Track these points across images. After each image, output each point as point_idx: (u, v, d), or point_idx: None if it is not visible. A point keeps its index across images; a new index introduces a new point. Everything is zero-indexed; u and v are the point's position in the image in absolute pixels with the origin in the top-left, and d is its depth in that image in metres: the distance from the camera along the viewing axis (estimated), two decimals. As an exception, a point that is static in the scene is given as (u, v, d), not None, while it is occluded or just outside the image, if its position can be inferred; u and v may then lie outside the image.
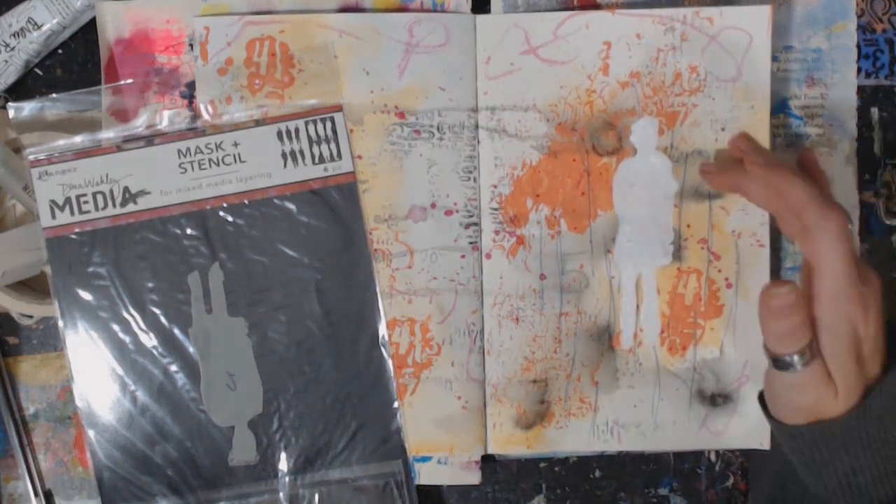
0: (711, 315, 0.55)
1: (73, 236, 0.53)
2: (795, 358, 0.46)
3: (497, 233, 0.55)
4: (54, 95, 0.55)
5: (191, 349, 0.54)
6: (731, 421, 0.55)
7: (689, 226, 0.55)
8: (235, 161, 0.54)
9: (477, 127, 0.54)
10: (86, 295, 0.53)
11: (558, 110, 0.54)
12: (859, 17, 0.57)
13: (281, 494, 0.54)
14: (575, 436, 0.55)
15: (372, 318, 0.54)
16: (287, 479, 0.54)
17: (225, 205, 0.54)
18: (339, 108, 0.54)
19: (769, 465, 0.55)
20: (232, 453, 0.54)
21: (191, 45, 0.55)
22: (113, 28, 0.55)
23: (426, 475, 0.56)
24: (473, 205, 0.55)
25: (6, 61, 0.55)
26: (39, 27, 0.55)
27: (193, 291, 0.54)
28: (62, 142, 0.54)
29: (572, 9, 0.55)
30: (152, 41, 0.56)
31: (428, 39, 0.54)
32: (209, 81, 0.54)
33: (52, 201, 0.53)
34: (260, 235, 0.54)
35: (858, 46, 0.57)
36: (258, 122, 0.54)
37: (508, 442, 0.55)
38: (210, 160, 0.54)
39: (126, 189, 0.53)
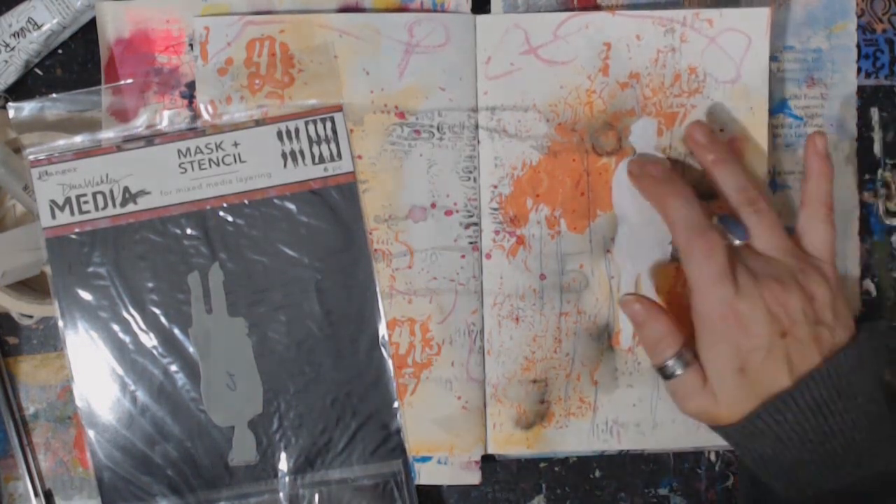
0: (711, 315, 0.55)
1: (73, 236, 0.53)
2: (670, 363, 0.49)
3: (497, 233, 0.55)
4: (54, 95, 0.55)
5: (191, 349, 0.54)
6: (731, 421, 0.55)
7: (688, 226, 0.55)
8: (235, 161, 0.54)
9: (477, 127, 0.54)
10: (86, 295, 0.53)
11: (558, 110, 0.54)
12: (859, 17, 0.57)
13: (281, 494, 0.54)
14: (575, 435, 0.55)
15: (372, 318, 0.54)
16: (287, 479, 0.54)
17: (225, 205, 0.54)
18: (339, 108, 0.54)
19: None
20: (232, 453, 0.54)
21: (191, 45, 0.55)
22: (113, 28, 0.55)
23: (426, 475, 0.56)
24: (473, 205, 0.55)
25: (6, 61, 0.55)
26: (39, 27, 0.55)
27: (193, 291, 0.54)
28: (62, 142, 0.54)
29: (572, 9, 0.55)
30: (152, 41, 0.56)
31: (428, 39, 0.54)
32: (209, 81, 0.54)
33: (52, 201, 0.53)
34: (260, 235, 0.54)
35: (858, 46, 0.57)
36: (258, 122, 0.54)
37: (508, 442, 0.55)
38: (210, 160, 0.54)
39: (126, 189, 0.53)
